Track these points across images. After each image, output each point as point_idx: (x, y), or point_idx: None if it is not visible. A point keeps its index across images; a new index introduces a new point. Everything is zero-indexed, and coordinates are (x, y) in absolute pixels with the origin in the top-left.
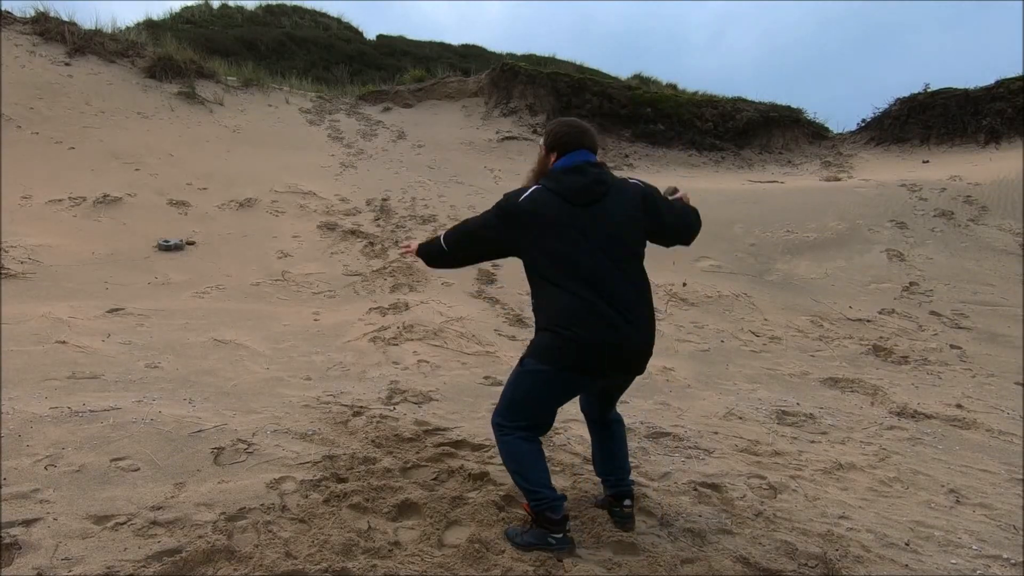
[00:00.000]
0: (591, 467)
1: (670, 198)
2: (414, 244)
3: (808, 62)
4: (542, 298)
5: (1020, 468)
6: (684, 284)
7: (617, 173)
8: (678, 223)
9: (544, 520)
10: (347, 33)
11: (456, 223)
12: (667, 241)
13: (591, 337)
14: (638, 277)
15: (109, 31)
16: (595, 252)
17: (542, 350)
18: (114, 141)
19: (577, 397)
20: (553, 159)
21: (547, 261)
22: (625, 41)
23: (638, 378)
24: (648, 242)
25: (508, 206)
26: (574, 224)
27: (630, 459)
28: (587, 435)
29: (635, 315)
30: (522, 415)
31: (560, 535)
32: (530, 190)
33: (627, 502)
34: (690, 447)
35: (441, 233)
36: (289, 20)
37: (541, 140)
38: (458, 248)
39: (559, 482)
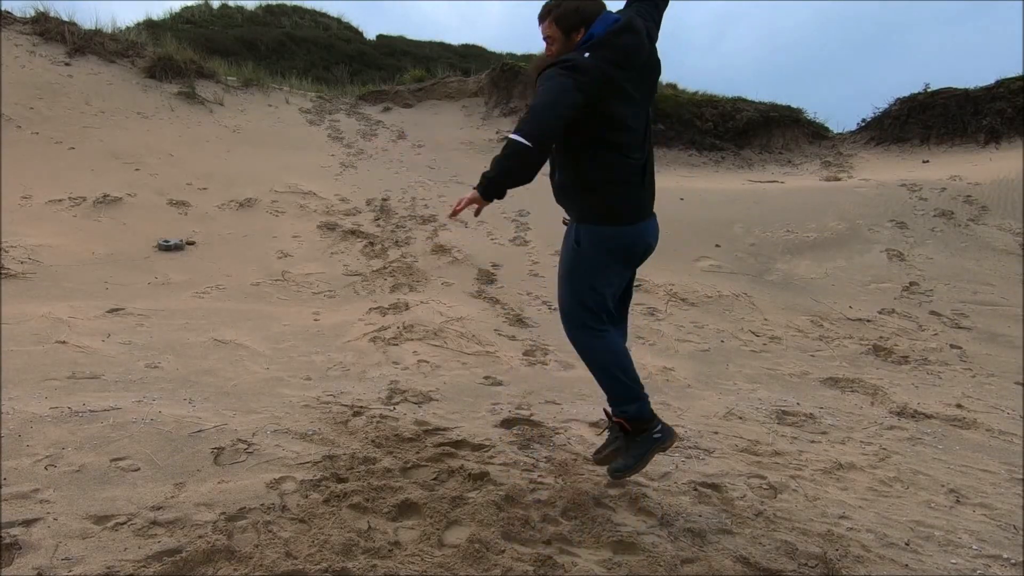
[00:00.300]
0: (591, 467)
1: None
2: (469, 193)
3: (808, 62)
4: (595, 161)
5: (1020, 468)
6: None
7: None
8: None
9: (642, 423)
10: (347, 33)
11: (521, 121)
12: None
13: (634, 193)
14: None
15: (109, 31)
16: (639, 114)
17: (604, 212)
18: (114, 141)
19: None
20: (579, 36)
21: (603, 127)
22: None
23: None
24: None
25: (585, 64)
26: (626, 87)
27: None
28: (587, 434)
29: (650, 167)
30: (593, 296)
31: (659, 425)
32: (586, 53)
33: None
34: (690, 447)
35: (513, 138)
36: (289, 20)
37: (548, 28)
38: (551, 139)
39: (558, 481)
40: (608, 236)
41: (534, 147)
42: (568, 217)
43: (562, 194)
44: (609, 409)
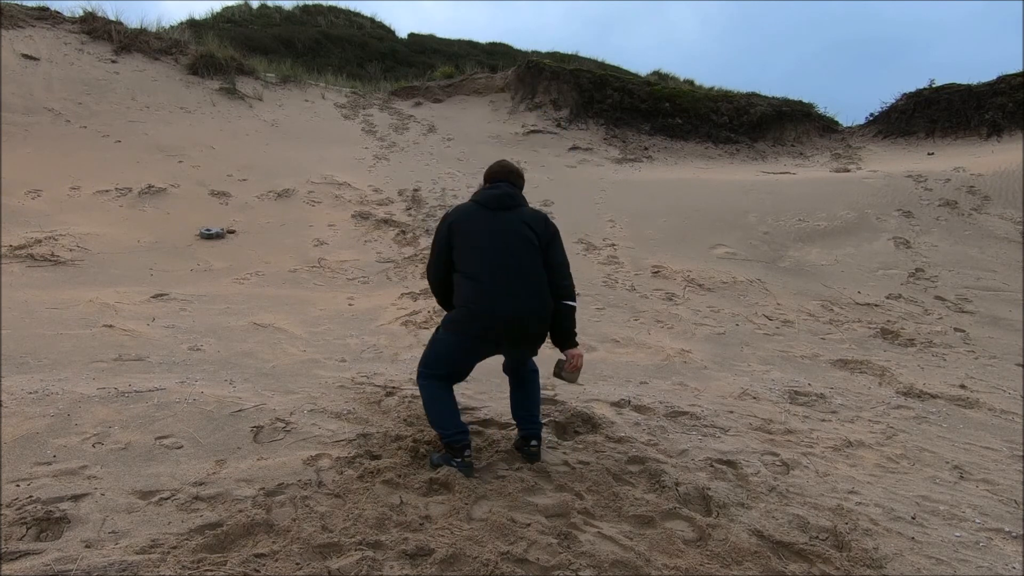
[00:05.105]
0: (613, 445)
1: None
2: None
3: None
4: (457, 282)
5: (1021, 445)
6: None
7: (637, 165)
8: (558, 268)
9: (448, 448)
10: (380, 32)
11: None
12: (548, 273)
13: (486, 310)
14: (531, 266)
15: (153, 30)
16: (496, 246)
17: (450, 322)
18: (158, 134)
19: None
20: (486, 187)
21: (464, 254)
22: (643, 42)
23: (657, 360)
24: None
25: (447, 220)
26: (484, 225)
27: (650, 436)
28: (608, 413)
29: (525, 293)
30: (437, 367)
31: (459, 460)
32: (458, 205)
33: (533, 442)
34: (707, 425)
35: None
36: (325, 19)
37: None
38: (446, 285)
39: (584, 456)
40: (450, 339)
41: (444, 294)
42: None
43: None
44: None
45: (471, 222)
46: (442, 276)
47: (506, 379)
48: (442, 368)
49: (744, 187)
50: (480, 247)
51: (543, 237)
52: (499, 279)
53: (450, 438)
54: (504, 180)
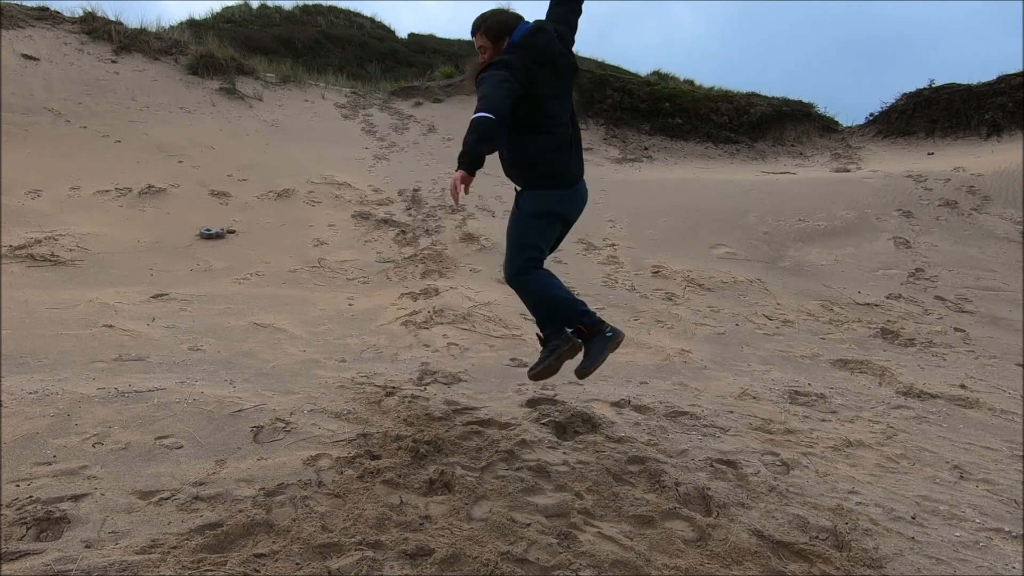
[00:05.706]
0: (613, 444)
1: None
2: (458, 175)
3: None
4: (528, 141)
5: (1021, 445)
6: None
7: (637, 165)
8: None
9: (594, 327)
10: (380, 32)
11: (479, 105)
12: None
13: (564, 163)
14: (571, 110)
15: (153, 30)
16: (559, 101)
17: (536, 181)
18: (158, 135)
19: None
20: (504, 43)
21: (533, 112)
22: (644, 42)
23: (657, 360)
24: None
25: (511, 62)
26: (545, 79)
27: (650, 436)
28: (608, 413)
29: (576, 143)
30: (533, 245)
31: (609, 328)
32: (507, 56)
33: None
34: (706, 425)
35: (478, 116)
36: (325, 19)
37: (480, 39)
38: (506, 113)
39: (584, 456)
40: (546, 198)
41: (496, 119)
42: (517, 187)
43: (510, 168)
44: (540, 332)
45: (542, 82)
46: (504, 112)
47: (505, 379)
48: (542, 242)
49: (744, 187)
50: (553, 101)
51: (573, 58)
52: (563, 145)
53: (592, 315)
54: (523, 20)
